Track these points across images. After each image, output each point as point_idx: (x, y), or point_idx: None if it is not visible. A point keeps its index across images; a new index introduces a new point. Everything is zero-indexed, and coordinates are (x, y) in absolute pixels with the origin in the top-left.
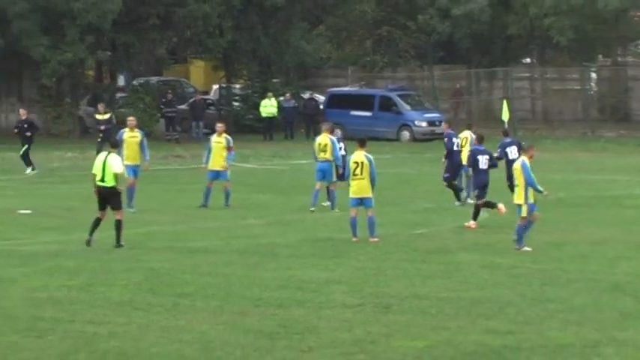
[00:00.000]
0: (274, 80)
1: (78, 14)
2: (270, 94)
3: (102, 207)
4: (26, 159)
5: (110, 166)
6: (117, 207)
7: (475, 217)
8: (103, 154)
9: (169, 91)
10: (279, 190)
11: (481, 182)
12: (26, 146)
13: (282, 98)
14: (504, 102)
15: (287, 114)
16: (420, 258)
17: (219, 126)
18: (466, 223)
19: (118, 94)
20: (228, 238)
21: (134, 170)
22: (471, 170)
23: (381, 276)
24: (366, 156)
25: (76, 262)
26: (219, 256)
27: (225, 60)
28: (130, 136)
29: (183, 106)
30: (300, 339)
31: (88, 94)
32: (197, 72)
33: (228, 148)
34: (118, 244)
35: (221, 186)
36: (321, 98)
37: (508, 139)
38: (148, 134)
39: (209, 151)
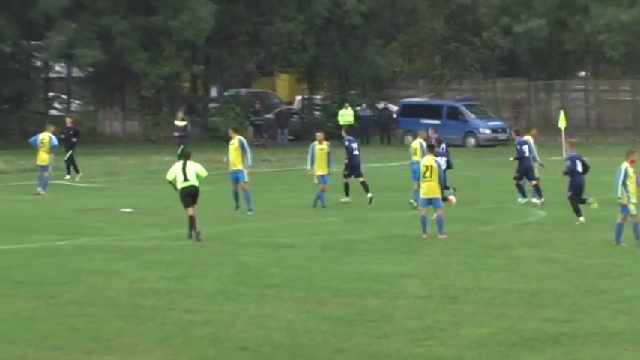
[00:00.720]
0: (352, 92)
1: (175, 32)
2: (347, 104)
3: (188, 205)
4: (69, 164)
5: (197, 171)
6: (195, 204)
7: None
8: (179, 163)
9: (257, 101)
10: (356, 190)
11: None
12: (70, 152)
13: (359, 108)
14: (561, 112)
15: (363, 122)
16: (484, 253)
17: (319, 135)
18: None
19: (211, 104)
20: (310, 234)
21: (235, 176)
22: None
23: (448, 269)
24: (435, 160)
25: (173, 255)
26: (302, 251)
27: (308, 73)
28: (230, 143)
29: (269, 115)
30: (376, 326)
31: (184, 104)
32: (282, 84)
33: (328, 154)
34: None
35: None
36: (394, 108)
37: (523, 139)
38: None
39: (312, 157)
